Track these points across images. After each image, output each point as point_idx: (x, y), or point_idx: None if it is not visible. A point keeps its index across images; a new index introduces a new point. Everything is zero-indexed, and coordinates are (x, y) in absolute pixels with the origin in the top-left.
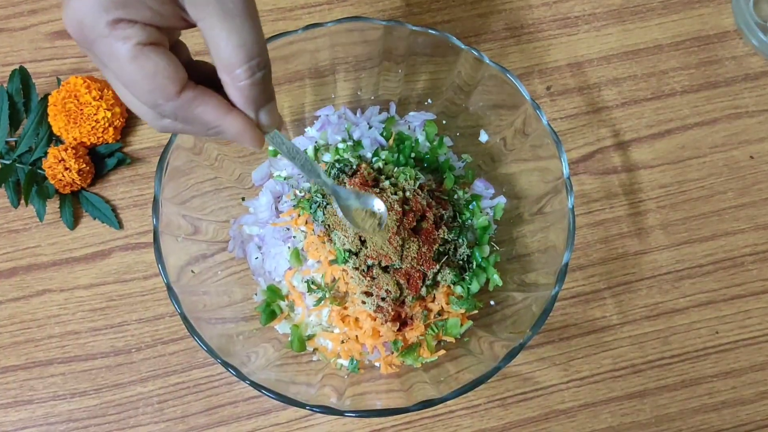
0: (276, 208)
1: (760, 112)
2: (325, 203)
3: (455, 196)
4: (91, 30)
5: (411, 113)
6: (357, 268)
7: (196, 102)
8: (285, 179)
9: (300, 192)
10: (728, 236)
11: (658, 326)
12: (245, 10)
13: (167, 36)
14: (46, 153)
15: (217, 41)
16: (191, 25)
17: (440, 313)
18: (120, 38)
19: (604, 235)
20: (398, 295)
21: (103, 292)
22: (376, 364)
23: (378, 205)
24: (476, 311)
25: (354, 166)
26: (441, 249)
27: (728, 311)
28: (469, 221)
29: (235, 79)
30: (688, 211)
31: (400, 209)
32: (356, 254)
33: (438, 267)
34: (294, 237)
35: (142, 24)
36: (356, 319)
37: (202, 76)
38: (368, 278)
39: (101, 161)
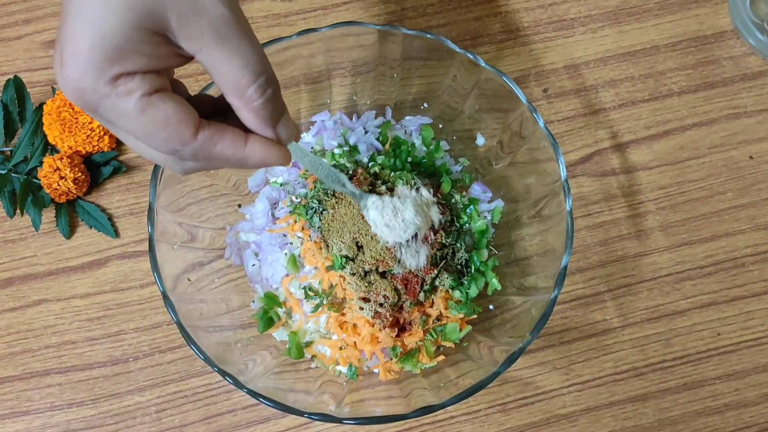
0: (272, 215)
1: (759, 111)
2: (321, 209)
3: (452, 200)
4: (93, 94)
5: (407, 117)
6: (354, 274)
7: (214, 139)
8: (281, 185)
9: (296, 198)
10: (728, 237)
11: (659, 329)
12: (240, 31)
13: (167, 77)
14: (41, 162)
15: (220, 68)
16: (188, 59)
17: (439, 318)
18: (123, 95)
19: (603, 237)
20: (396, 300)
21: (99, 301)
22: (375, 370)
23: (409, 211)
24: (475, 316)
25: (350, 172)
26: (439, 253)
27: (730, 312)
28: (467, 225)
29: (248, 101)
30: (687, 212)
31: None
32: (353, 260)
33: (436, 272)
34: (291, 243)
35: (141, 73)
36: (354, 326)
37: (206, 109)
38: (366, 284)
39: (97, 170)
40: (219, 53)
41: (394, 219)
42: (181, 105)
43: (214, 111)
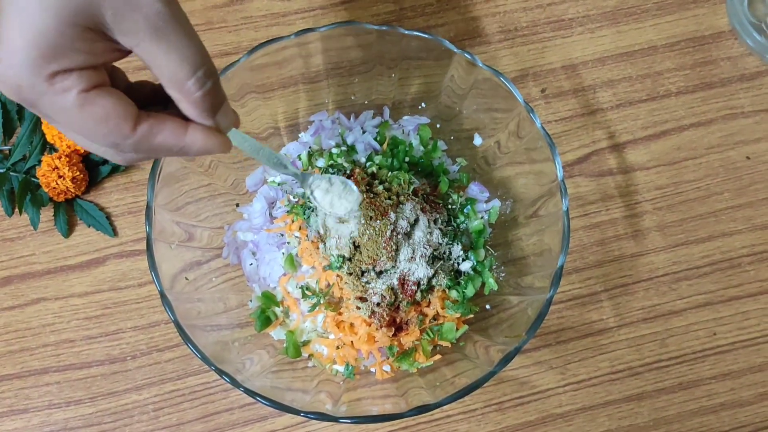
0: (270, 214)
1: (756, 112)
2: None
3: (450, 200)
4: (30, 91)
5: (405, 117)
6: (351, 274)
7: (154, 131)
8: (279, 185)
9: (294, 197)
10: (725, 237)
11: (655, 328)
12: (176, 25)
13: (104, 71)
14: (40, 161)
15: (158, 62)
16: (126, 53)
17: (435, 317)
18: (61, 91)
19: (600, 237)
20: (393, 300)
21: (98, 300)
22: (372, 369)
23: (351, 187)
24: (472, 315)
25: (348, 171)
26: (436, 253)
27: (726, 312)
28: (464, 225)
29: (187, 94)
30: (684, 212)
31: (393, 214)
32: (350, 259)
33: (433, 271)
34: (288, 243)
35: (78, 70)
36: (351, 325)
37: (146, 97)
38: (362, 283)
39: (95, 169)
40: (156, 48)
41: (342, 193)
42: (119, 99)
43: (154, 98)
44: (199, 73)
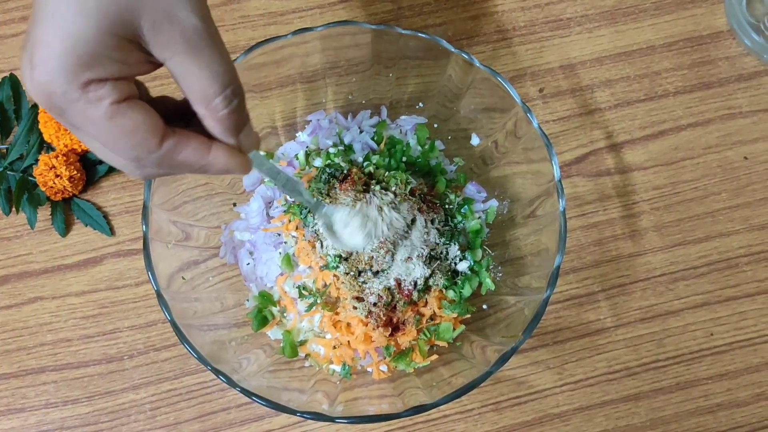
0: (267, 214)
1: (754, 112)
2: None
3: (447, 200)
4: (62, 98)
5: (402, 117)
6: (348, 273)
7: (178, 148)
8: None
9: (291, 197)
10: (722, 237)
11: (652, 329)
12: (211, 41)
13: (134, 83)
14: (37, 160)
15: (189, 77)
16: (157, 67)
17: (432, 317)
18: (94, 101)
19: (597, 237)
20: (390, 300)
21: (95, 299)
22: (369, 369)
23: (373, 219)
24: (469, 315)
25: (345, 171)
26: (433, 253)
27: (723, 313)
28: (461, 225)
29: (214, 111)
30: (681, 212)
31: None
32: (347, 259)
33: (430, 271)
34: (285, 242)
35: (113, 80)
36: (348, 325)
37: (167, 112)
38: (359, 283)
39: (92, 168)
40: (189, 63)
41: (358, 227)
42: (148, 113)
43: (176, 114)
44: (228, 92)
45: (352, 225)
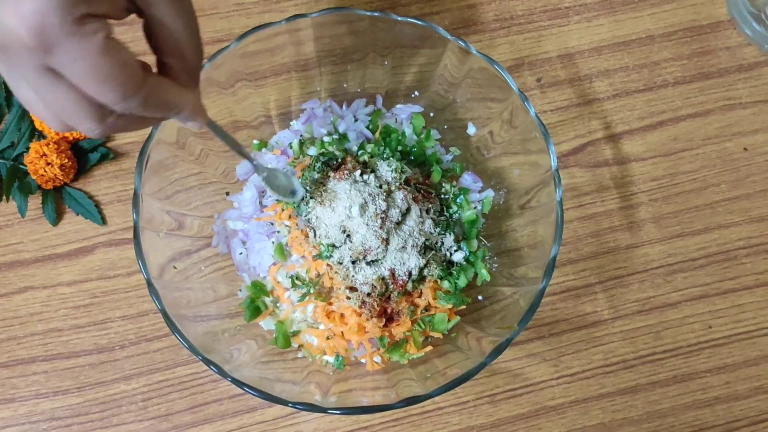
0: (260, 203)
1: (754, 103)
2: (308, 198)
3: (443, 190)
4: (56, 32)
5: (398, 106)
6: (341, 263)
7: (161, 84)
8: None
9: None
10: (721, 229)
11: (650, 321)
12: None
13: None
14: (28, 148)
15: (171, 27)
16: (128, 14)
17: (427, 308)
18: (89, 34)
19: (595, 228)
20: (384, 290)
21: (86, 288)
22: (362, 360)
23: (294, 185)
24: (464, 306)
25: (339, 159)
26: (428, 243)
27: (721, 305)
28: (457, 215)
29: (187, 62)
30: (680, 204)
31: (384, 203)
32: (340, 249)
33: (424, 262)
34: (278, 232)
35: (104, 17)
36: (341, 315)
37: None
38: (353, 273)
39: (84, 156)
40: (173, 14)
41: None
42: (129, 51)
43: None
44: (200, 47)
45: (280, 182)
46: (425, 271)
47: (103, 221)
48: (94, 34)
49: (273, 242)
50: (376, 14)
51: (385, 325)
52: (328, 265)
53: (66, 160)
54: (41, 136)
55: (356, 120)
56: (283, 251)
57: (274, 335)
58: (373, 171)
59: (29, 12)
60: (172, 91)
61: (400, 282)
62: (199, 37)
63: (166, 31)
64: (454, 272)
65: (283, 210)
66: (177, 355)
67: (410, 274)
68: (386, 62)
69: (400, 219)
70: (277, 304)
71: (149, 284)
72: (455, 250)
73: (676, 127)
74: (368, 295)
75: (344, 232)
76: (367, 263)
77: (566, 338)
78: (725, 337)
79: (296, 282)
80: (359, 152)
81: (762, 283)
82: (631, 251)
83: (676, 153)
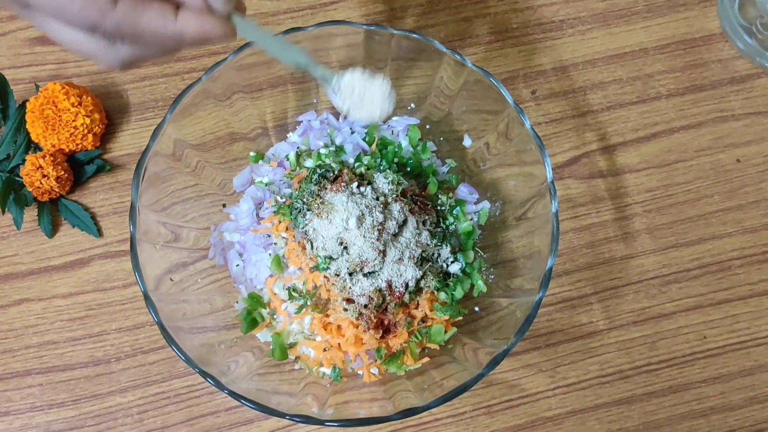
0: (257, 215)
1: (747, 115)
2: (305, 209)
3: (439, 202)
4: None
5: (394, 118)
6: (338, 275)
7: (138, 10)
8: (266, 185)
9: (281, 198)
10: (715, 240)
11: (645, 331)
12: None
13: None
14: (24, 160)
15: None
16: None
17: (424, 319)
18: None
19: (590, 239)
20: (380, 302)
21: (82, 301)
22: (359, 372)
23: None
24: (460, 318)
25: (336, 172)
26: (424, 255)
27: (716, 316)
28: (453, 226)
29: None
30: (674, 215)
31: (381, 215)
32: (337, 260)
33: (421, 273)
34: (275, 244)
35: None
36: (338, 327)
37: None
38: (350, 285)
39: (80, 168)
40: None
41: (366, 98)
42: None
43: None
44: None
45: (372, 87)
46: (422, 283)
47: (99, 233)
48: None
49: (270, 254)
50: (372, 27)
51: (382, 337)
52: (325, 276)
53: (62, 172)
54: (37, 148)
55: (353, 132)
56: (280, 263)
57: (271, 347)
58: (369, 183)
59: None
60: (157, 15)
61: (397, 293)
62: None
63: None
64: (451, 283)
65: (279, 222)
66: (173, 368)
67: (407, 285)
68: (383, 75)
69: (396, 231)
70: (274, 316)
71: (146, 296)
72: (452, 262)
73: (669, 139)
74: (365, 306)
75: (341, 244)
76: (364, 275)
77: (562, 349)
78: (720, 348)
79: (293, 294)
80: (356, 164)
81: (756, 293)
82: (626, 262)
83: (670, 164)
